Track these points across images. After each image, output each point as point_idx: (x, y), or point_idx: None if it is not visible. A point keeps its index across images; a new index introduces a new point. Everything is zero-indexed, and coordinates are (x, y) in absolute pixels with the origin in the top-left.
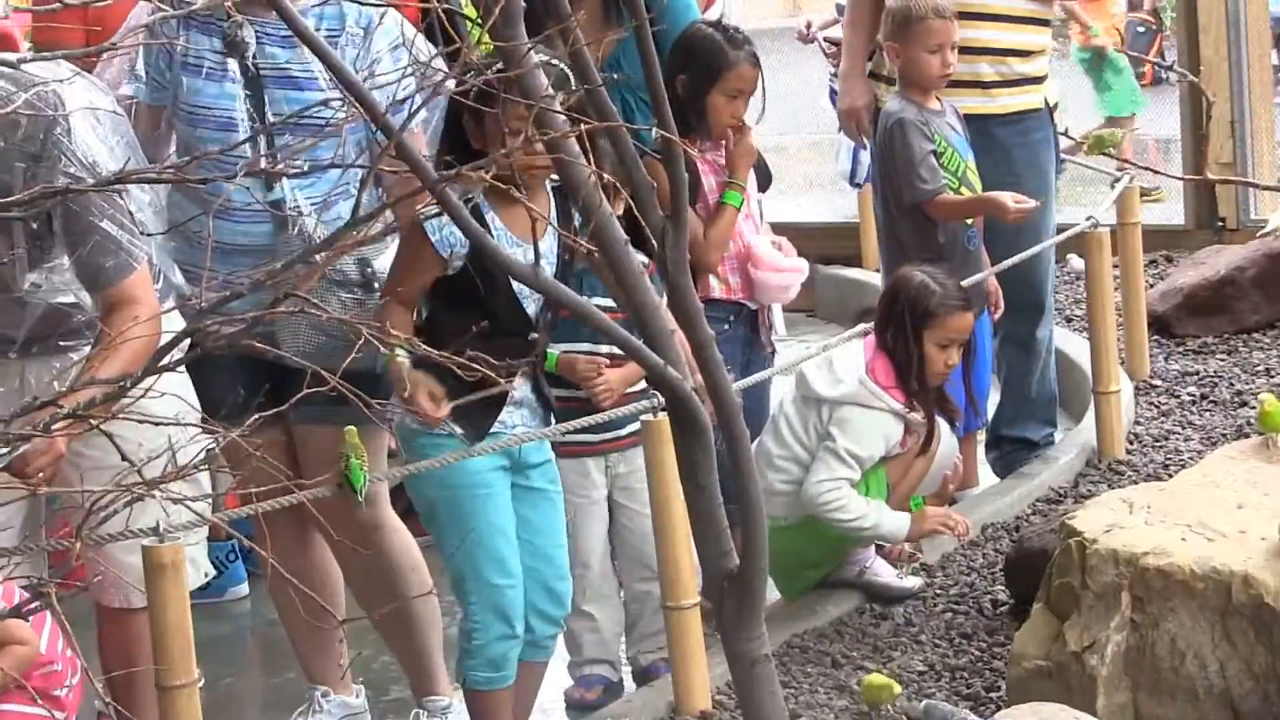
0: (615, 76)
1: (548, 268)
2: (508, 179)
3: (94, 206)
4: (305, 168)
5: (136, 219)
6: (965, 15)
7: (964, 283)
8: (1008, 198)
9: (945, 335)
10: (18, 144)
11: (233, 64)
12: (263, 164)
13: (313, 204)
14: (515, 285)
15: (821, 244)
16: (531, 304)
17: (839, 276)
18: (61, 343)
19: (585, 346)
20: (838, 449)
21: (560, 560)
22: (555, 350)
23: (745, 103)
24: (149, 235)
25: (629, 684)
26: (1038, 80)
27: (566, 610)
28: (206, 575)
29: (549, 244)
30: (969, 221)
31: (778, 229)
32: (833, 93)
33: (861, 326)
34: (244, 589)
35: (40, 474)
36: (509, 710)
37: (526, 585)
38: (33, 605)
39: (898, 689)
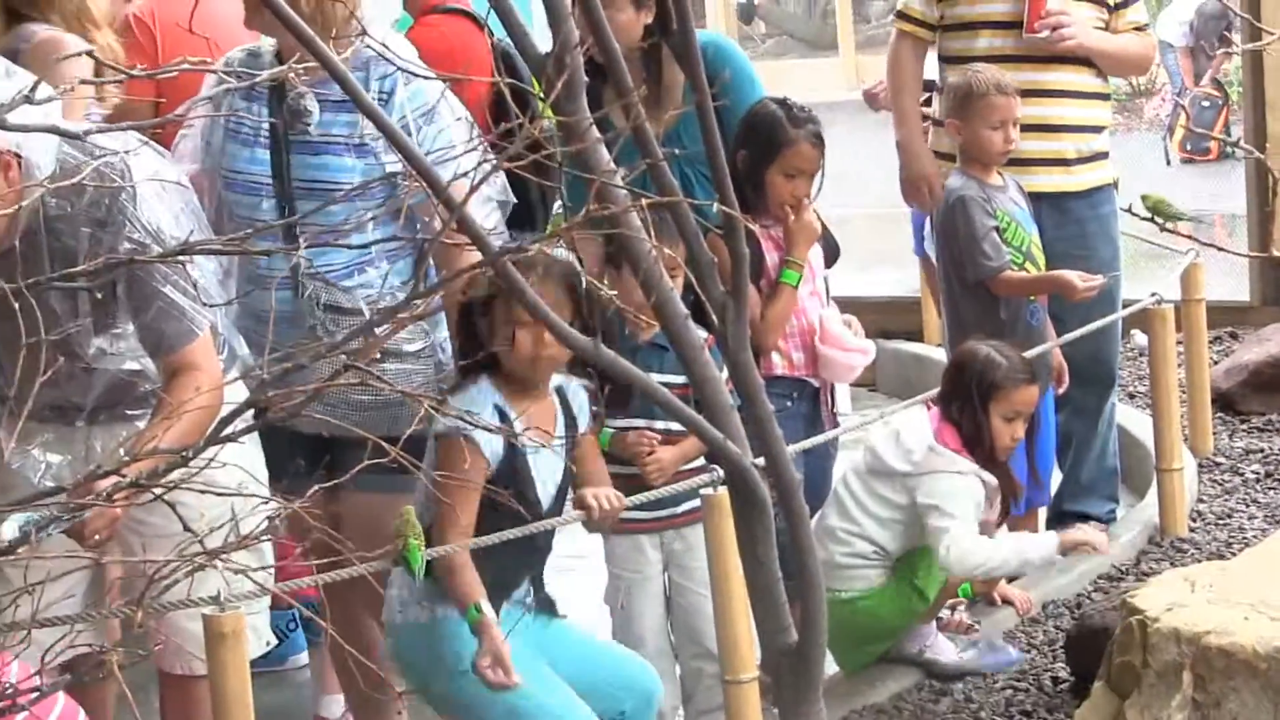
0: (676, 151)
1: (551, 492)
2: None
3: (157, 273)
4: (350, 239)
5: (200, 287)
6: (1045, 94)
7: (1028, 354)
8: (1075, 276)
9: (1011, 408)
10: (84, 209)
11: (263, 129)
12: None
13: (331, 272)
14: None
15: (883, 318)
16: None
17: (901, 351)
18: (128, 411)
19: (640, 422)
20: (944, 515)
21: (631, 658)
22: (610, 428)
23: (806, 181)
24: (212, 305)
25: None
26: (1107, 155)
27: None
28: (268, 644)
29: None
30: (1032, 297)
31: (838, 303)
32: None
33: (922, 396)
34: (304, 657)
35: (97, 537)
36: None
37: (616, 693)
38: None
39: None
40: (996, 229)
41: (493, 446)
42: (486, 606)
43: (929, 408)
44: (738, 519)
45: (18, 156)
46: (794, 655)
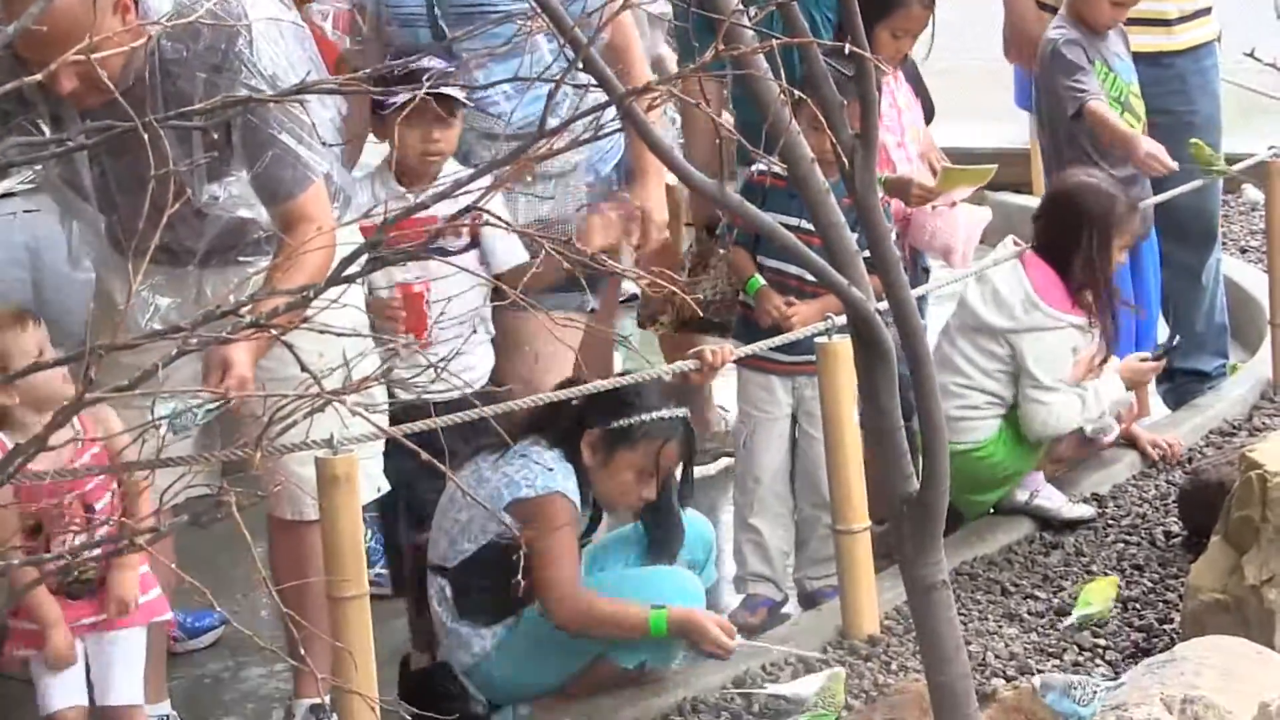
0: None
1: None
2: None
3: (273, 119)
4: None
5: (317, 133)
6: None
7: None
8: (1147, 144)
9: (1129, 238)
10: (199, 54)
11: None
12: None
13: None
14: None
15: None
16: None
17: (1008, 203)
18: (240, 257)
19: (791, 269)
20: (1041, 383)
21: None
22: (759, 278)
23: (911, 40)
24: (329, 147)
25: (793, 607)
26: (1209, 11)
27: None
28: (379, 489)
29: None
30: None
31: (947, 154)
32: None
33: (1015, 249)
34: None
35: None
36: None
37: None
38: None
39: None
40: (1089, 73)
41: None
42: (659, 612)
43: (1018, 252)
44: (860, 366)
45: None
46: (915, 504)
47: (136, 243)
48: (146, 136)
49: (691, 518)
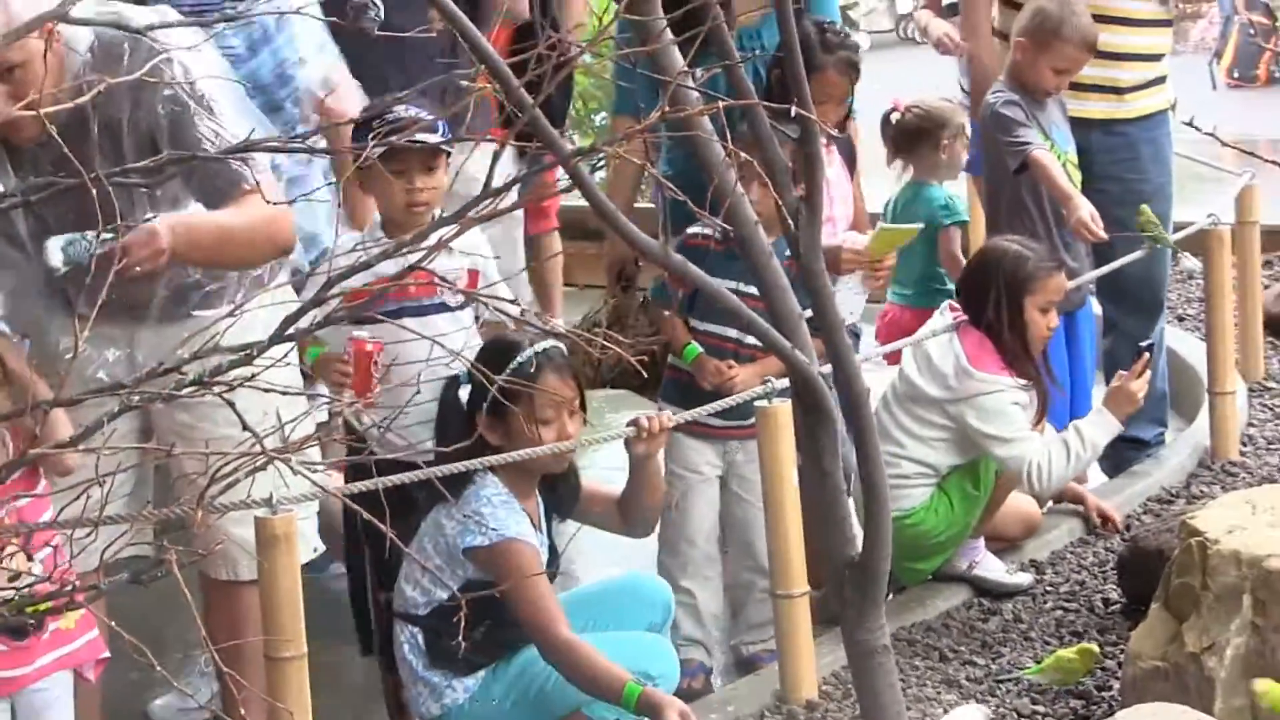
0: (756, 52)
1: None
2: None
3: (197, 133)
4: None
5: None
6: (1106, 19)
7: (1072, 283)
8: (1086, 210)
9: (1046, 299)
10: (121, 75)
11: None
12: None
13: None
14: None
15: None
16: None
17: None
18: (192, 311)
19: (730, 331)
20: (1004, 442)
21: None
22: (695, 345)
23: (834, 107)
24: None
25: (726, 672)
26: (1162, 80)
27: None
28: (315, 550)
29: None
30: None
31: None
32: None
33: (946, 320)
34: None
35: (138, 267)
36: None
37: (642, 615)
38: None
39: None
40: (1029, 128)
41: (533, 539)
42: (636, 687)
43: (955, 320)
44: (803, 429)
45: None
46: (858, 569)
47: (85, 296)
48: (92, 183)
49: (647, 580)
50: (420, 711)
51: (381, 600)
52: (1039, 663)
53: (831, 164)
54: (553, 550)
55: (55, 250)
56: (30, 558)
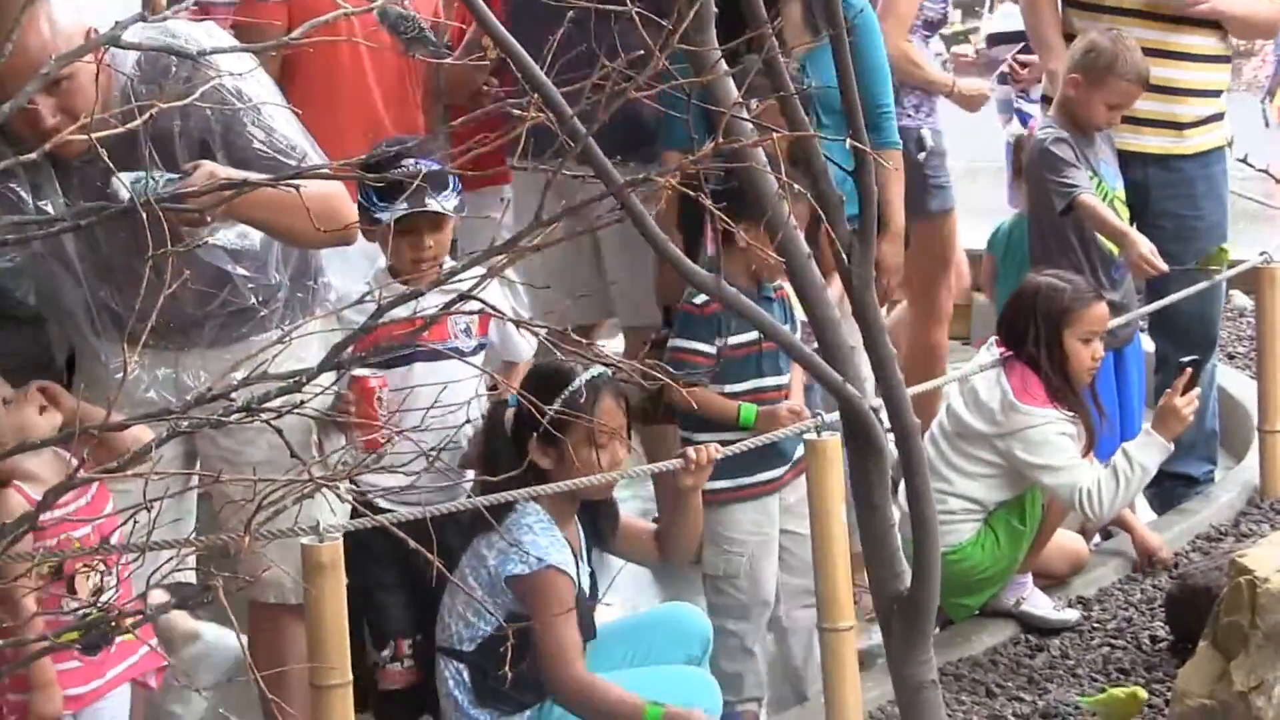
0: (813, 86)
1: (585, 580)
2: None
3: (253, 137)
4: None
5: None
6: (1167, 55)
7: (1116, 322)
8: (1145, 245)
9: (1086, 329)
10: (170, 88)
11: None
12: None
13: None
14: None
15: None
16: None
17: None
18: (246, 332)
19: (750, 385)
20: (1054, 471)
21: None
22: (749, 406)
23: None
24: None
25: None
26: (1221, 117)
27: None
28: None
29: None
30: (1116, 254)
31: None
32: (1019, 114)
33: (991, 357)
34: None
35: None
36: None
37: (684, 647)
38: (202, 598)
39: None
40: (1079, 169)
41: (573, 568)
42: (656, 709)
43: (1001, 357)
44: (853, 464)
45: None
46: (907, 603)
47: (136, 318)
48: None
49: (686, 611)
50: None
51: (372, 660)
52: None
53: None
54: (593, 579)
55: (122, 186)
56: (111, 572)
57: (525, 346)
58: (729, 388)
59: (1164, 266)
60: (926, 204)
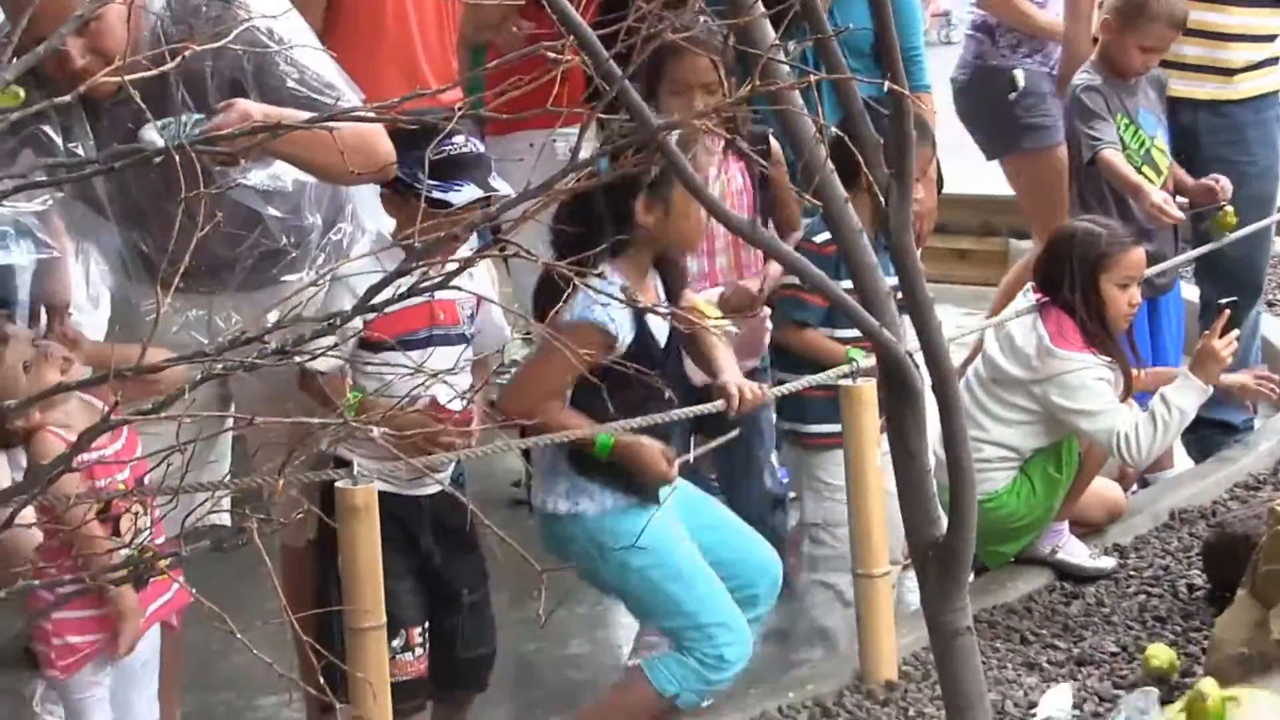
0: (849, 26)
1: (660, 340)
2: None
3: (286, 73)
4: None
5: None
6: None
7: (1154, 270)
8: (1157, 195)
9: (1123, 274)
10: (202, 28)
11: None
12: None
13: None
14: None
15: (1018, 217)
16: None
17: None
18: (278, 274)
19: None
20: (1091, 415)
21: (761, 542)
22: (855, 349)
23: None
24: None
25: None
26: (1274, 62)
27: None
28: None
29: (662, 327)
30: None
31: (981, 201)
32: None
33: (1028, 303)
34: None
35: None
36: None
37: (750, 575)
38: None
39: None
40: (1108, 122)
41: (624, 329)
42: (606, 439)
43: (1038, 302)
44: (890, 409)
45: None
46: (942, 549)
47: (168, 260)
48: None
49: (759, 546)
50: (542, 500)
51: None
52: (1121, 647)
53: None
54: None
55: (153, 133)
56: (146, 511)
57: (500, 335)
58: (839, 333)
59: (1179, 215)
60: (1019, 142)
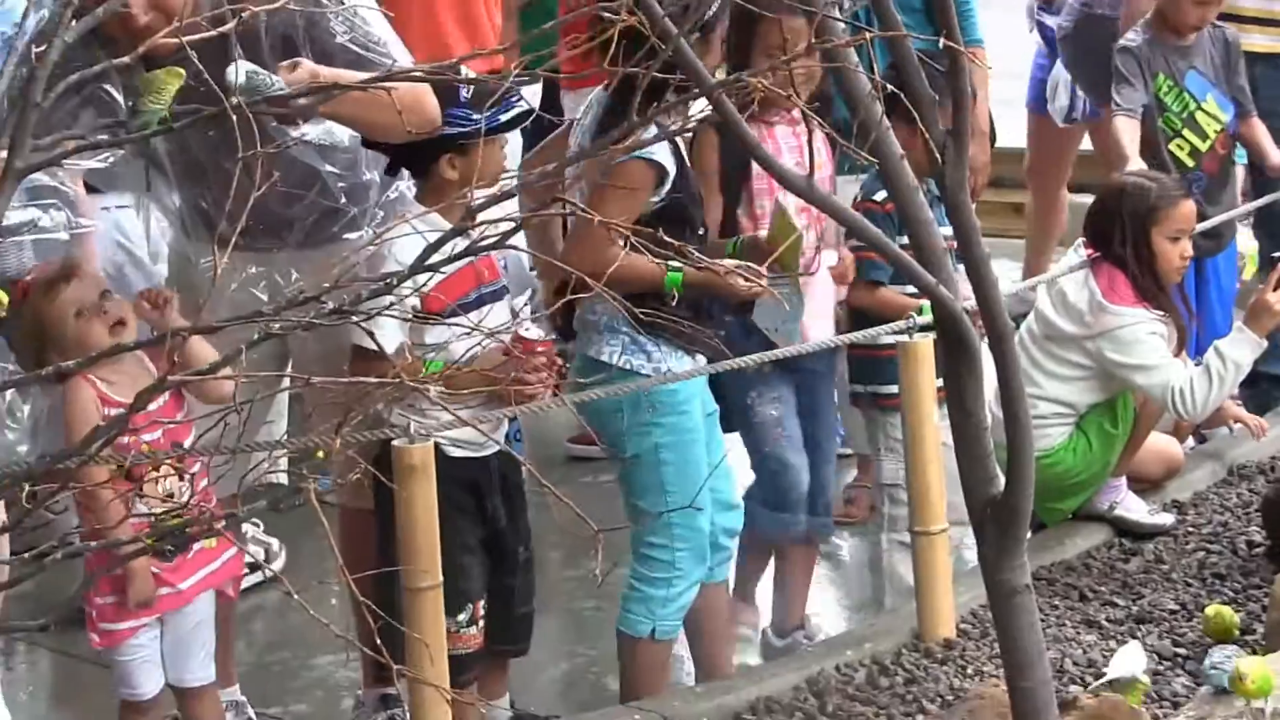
0: None
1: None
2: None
3: (337, 30)
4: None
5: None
6: None
7: (1202, 226)
8: (1131, 166)
9: (1174, 227)
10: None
11: None
12: None
13: None
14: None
15: (1074, 172)
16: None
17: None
18: (338, 232)
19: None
20: (1146, 370)
21: (732, 474)
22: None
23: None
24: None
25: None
26: None
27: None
28: None
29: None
30: (1191, 165)
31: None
32: (1041, 26)
33: (1078, 258)
34: None
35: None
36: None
37: (714, 505)
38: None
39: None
40: (1145, 83)
41: (668, 162)
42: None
43: (1089, 258)
44: (947, 367)
45: None
46: (1000, 507)
47: (226, 218)
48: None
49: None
50: (594, 348)
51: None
52: (1180, 605)
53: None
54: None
55: (241, 73)
56: (183, 478)
57: (530, 275)
58: (911, 289)
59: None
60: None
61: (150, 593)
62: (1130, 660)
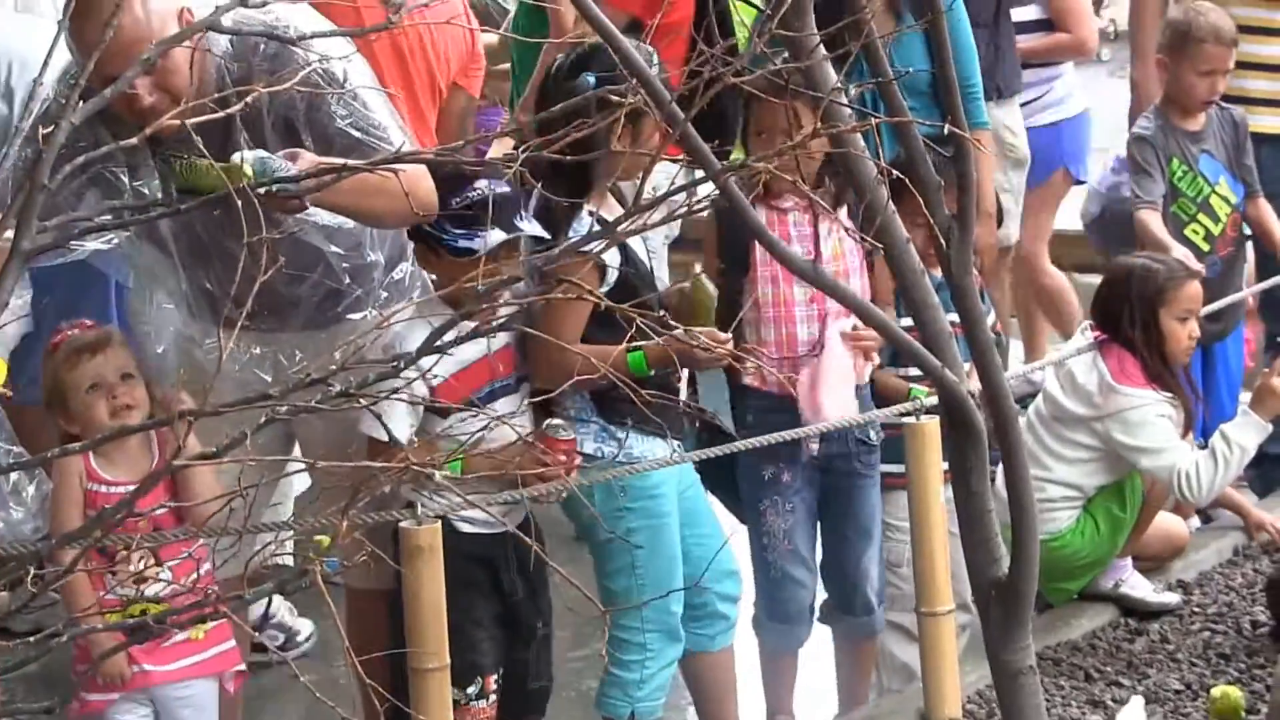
0: (907, 70)
1: (641, 254)
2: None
3: (336, 114)
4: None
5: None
6: (1273, 32)
7: (1210, 307)
8: (1178, 252)
9: (1182, 308)
10: (259, 65)
11: None
12: None
13: None
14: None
15: (1082, 251)
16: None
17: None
18: (343, 312)
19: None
20: (1153, 453)
21: (729, 546)
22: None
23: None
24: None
25: None
26: None
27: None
28: None
29: (637, 242)
30: (1206, 249)
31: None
32: None
33: (1086, 340)
34: None
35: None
36: None
37: (710, 574)
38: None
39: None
40: (1163, 172)
41: (609, 255)
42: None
43: (1097, 340)
44: (952, 449)
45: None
46: (1004, 588)
47: (232, 301)
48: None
49: (726, 554)
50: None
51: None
52: (1185, 685)
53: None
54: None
55: (252, 160)
56: (159, 563)
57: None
58: (905, 372)
59: (1197, 267)
60: None
61: (119, 669)
62: (1133, 716)
